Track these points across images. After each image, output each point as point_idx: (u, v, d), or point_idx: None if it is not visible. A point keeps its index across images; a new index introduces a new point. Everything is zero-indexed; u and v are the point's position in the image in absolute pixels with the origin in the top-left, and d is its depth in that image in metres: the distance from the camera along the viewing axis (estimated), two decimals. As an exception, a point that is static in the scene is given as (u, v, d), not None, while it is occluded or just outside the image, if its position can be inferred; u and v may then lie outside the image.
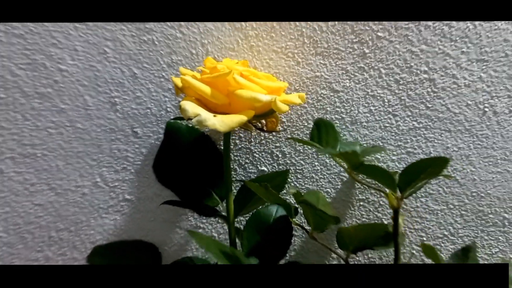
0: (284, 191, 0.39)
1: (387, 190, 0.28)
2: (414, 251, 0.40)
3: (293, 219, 0.34)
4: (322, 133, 0.33)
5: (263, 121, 0.37)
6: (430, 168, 0.30)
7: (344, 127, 0.38)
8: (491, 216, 0.39)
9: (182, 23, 0.39)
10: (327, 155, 0.39)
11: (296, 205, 0.35)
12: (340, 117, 0.39)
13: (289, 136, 0.39)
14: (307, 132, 0.39)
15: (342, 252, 0.33)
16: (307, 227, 0.34)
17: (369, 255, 0.41)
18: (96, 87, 0.41)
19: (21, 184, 0.43)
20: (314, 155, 0.39)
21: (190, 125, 0.40)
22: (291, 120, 0.39)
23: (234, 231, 0.36)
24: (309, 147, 0.39)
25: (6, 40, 0.41)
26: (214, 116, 0.30)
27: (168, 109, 0.41)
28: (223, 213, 0.37)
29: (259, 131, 0.38)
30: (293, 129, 0.39)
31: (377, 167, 0.31)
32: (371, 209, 0.40)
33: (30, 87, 0.41)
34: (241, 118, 0.30)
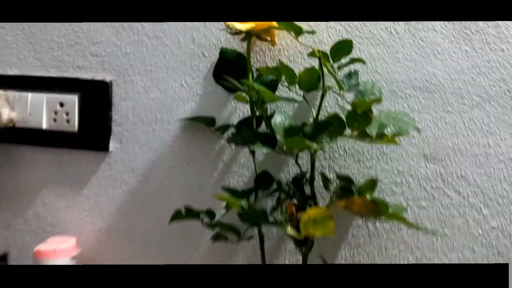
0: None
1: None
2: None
3: (280, 82, 0.66)
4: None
5: (269, 38, 0.70)
6: (343, 46, 0.61)
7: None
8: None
9: None
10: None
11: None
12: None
13: (285, 54, 0.72)
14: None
15: (303, 92, 0.64)
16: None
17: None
18: (187, 35, 0.76)
19: (143, 88, 0.78)
20: (302, 60, 0.71)
21: (234, 49, 0.73)
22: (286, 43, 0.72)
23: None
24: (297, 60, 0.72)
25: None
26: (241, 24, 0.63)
27: (222, 42, 0.75)
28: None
29: (268, 43, 0.71)
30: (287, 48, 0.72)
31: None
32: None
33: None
34: (251, 24, 0.63)
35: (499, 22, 0.65)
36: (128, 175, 0.79)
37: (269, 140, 0.57)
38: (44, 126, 0.81)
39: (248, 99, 0.67)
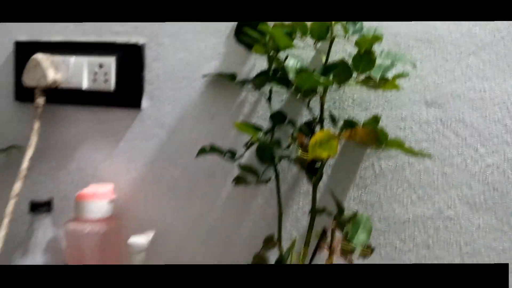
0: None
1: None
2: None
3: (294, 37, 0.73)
4: None
5: None
6: None
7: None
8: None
9: None
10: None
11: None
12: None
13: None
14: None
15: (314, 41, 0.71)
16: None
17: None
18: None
19: (172, 49, 0.87)
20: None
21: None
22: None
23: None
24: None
25: None
26: None
27: (242, 5, 0.83)
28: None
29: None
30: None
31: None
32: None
33: None
34: None
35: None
36: (158, 130, 0.88)
37: (283, 80, 0.65)
38: (84, 86, 0.90)
39: (265, 50, 0.75)
